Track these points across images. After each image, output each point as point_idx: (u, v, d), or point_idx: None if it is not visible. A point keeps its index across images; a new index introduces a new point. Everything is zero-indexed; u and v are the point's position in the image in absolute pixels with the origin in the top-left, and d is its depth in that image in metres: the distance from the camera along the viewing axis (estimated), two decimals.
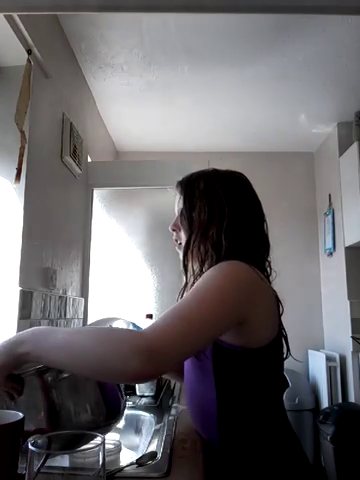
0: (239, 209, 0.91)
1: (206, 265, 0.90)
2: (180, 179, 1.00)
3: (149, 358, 0.62)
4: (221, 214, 0.90)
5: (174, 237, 0.99)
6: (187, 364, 0.93)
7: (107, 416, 0.79)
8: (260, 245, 0.94)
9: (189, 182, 0.97)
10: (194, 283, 0.89)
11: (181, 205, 0.96)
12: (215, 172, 0.98)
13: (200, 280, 0.79)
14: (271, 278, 0.94)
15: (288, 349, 0.91)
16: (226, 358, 0.81)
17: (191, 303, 0.72)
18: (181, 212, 0.96)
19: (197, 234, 0.91)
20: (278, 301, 0.90)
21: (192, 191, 0.95)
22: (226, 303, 0.75)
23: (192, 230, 0.92)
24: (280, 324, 0.88)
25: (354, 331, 2.83)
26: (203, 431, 0.89)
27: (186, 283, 0.96)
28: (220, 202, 0.91)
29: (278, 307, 0.89)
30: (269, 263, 0.95)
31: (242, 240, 0.89)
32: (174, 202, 1.00)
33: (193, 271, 0.94)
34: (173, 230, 0.99)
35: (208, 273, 0.80)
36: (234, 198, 0.92)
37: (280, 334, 0.87)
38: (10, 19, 1.46)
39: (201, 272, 0.89)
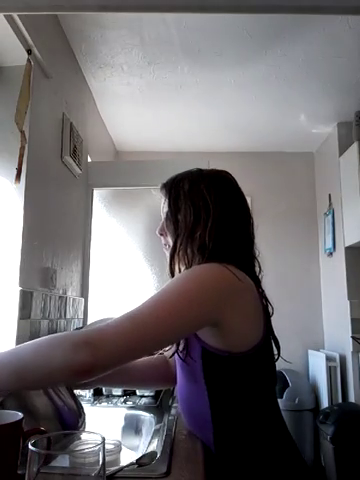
0: (224, 209, 0.90)
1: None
2: (165, 181, 0.98)
3: (88, 349, 0.64)
4: (206, 215, 0.88)
5: (163, 241, 0.98)
6: (178, 370, 0.92)
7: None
8: (246, 244, 0.92)
9: (173, 184, 0.95)
10: None
11: (166, 208, 0.94)
12: (199, 172, 0.96)
13: (166, 283, 0.78)
14: (260, 276, 0.93)
15: (278, 350, 0.89)
16: (214, 362, 0.81)
17: (145, 305, 0.73)
18: (166, 215, 0.94)
19: (183, 237, 0.89)
20: (266, 302, 0.88)
21: (177, 193, 0.93)
22: (183, 307, 0.74)
23: (178, 233, 0.90)
24: (268, 325, 0.86)
25: (354, 331, 2.83)
26: (201, 435, 0.88)
27: None
28: (205, 202, 0.89)
29: (265, 308, 0.87)
30: (258, 262, 0.93)
31: (227, 240, 0.88)
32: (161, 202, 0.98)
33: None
34: (160, 234, 0.97)
35: (176, 276, 0.80)
36: (219, 198, 0.90)
37: (267, 336, 0.85)
38: (10, 19, 1.46)
39: None
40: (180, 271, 0.91)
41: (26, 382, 0.69)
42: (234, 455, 0.81)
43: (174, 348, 0.87)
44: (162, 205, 0.97)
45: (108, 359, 0.67)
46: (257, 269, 0.93)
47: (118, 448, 0.90)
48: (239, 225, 0.91)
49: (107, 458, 0.80)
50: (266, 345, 0.84)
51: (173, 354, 0.85)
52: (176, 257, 0.91)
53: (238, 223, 0.91)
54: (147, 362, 1.06)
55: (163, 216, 0.96)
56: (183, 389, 0.90)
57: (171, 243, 0.92)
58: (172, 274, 0.91)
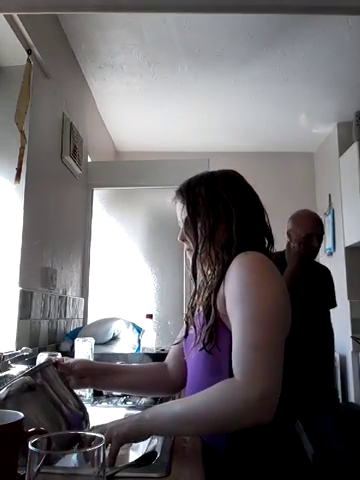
0: (243, 206, 0.92)
1: (218, 268, 0.90)
2: (178, 188, 0.98)
3: (262, 406, 0.69)
4: (228, 215, 0.90)
5: (186, 246, 0.98)
6: (194, 365, 0.91)
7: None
8: (265, 238, 0.94)
9: (189, 189, 0.95)
10: (208, 288, 0.90)
11: (185, 214, 0.94)
12: (212, 175, 0.97)
13: (236, 289, 0.79)
14: None
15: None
16: None
17: (255, 328, 0.74)
18: (186, 221, 0.94)
19: (205, 240, 0.91)
20: None
21: (194, 198, 0.93)
22: (281, 304, 0.78)
23: (199, 237, 0.92)
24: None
25: (354, 331, 2.83)
26: (208, 437, 0.86)
27: (196, 290, 0.95)
28: (225, 203, 0.91)
29: None
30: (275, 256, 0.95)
31: (250, 235, 0.90)
32: (175, 209, 0.99)
33: (205, 276, 0.93)
34: (182, 240, 0.98)
35: (242, 277, 0.80)
36: (237, 197, 0.92)
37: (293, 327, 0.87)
38: (10, 19, 1.46)
39: (214, 274, 0.90)
40: (206, 273, 0.93)
41: (192, 431, 0.77)
42: (244, 456, 0.80)
43: (197, 343, 0.86)
44: (179, 212, 0.97)
45: (275, 403, 0.70)
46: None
47: (129, 443, 0.89)
48: (257, 218, 0.94)
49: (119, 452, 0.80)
50: (292, 337, 0.85)
51: (203, 348, 0.84)
52: (198, 260, 0.92)
53: (256, 217, 0.94)
54: (144, 369, 1.09)
55: (182, 222, 0.96)
56: (200, 384, 0.86)
57: (193, 248, 0.93)
58: (194, 277, 0.93)
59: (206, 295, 0.90)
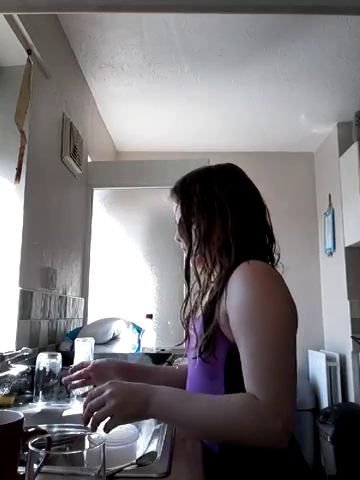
0: (240, 204, 0.87)
1: (216, 272, 0.88)
2: (174, 185, 0.95)
3: (283, 439, 0.69)
4: (223, 215, 0.86)
5: (182, 246, 0.95)
6: (192, 367, 0.90)
7: None
8: (266, 236, 0.91)
9: (183, 188, 0.92)
10: (204, 293, 0.88)
11: (179, 214, 0.91)
12: (208, 171, 0.93)
13: (244, 309, 0.76)
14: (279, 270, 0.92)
15: None
16: (238, 360, 0.79)
17: (273, 353, 0.73)
18: (180, 221, 0.91)
19: (199, 242, 0.87)
20: None
21: (189, 197, 0.90)
22: (291, 320, 0.77)
23: (193, 238, 0.88)
24: None
25: (354, 331, 2.83)
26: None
27: (189, 294, 0.92)
28: (220, 203, 0.87)
29: None
30: (278, 255, 0.92)
31: (249, 236, 0.86)
32: (172, 207, 0.95)
33: (199, 279, 0.90)
34: (178, 240, 0.95)
35: (248, 296, 0.77)
36: (233, 194, 0.88)
37: None
38: (10, 19, 1.46)
39: (210, 278, 0.88)
40: (197, 275, 0.90)
41: (198, 436, 0.78)
42: (238, 458, 0.80)
43: (195, 351, 0.85)
44: (174, 210, 0.94)
45: (292, 431, 0.71)
46: (279, 263, 0.92)
47: (136, 435, 0.89)
48: (257, 217, 0.90)
49: (124, 446, 0.80)
50: None
51: (199, 356, 0.82)
52: (192, 262, 0.89)
53: (256, 215, 0.90)
54: (171, 374, 1.07)
55: (177, 222, 0.93)
56: (196, 386, 0.89)
57: (187, 249, 0.90)
58: (187, 279, 0.90)
59: (205, 301, 0.88)
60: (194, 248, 0.88)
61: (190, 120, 3.08)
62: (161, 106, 2.87)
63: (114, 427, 0.73)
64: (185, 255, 0.90)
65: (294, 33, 2.10)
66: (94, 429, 0.73)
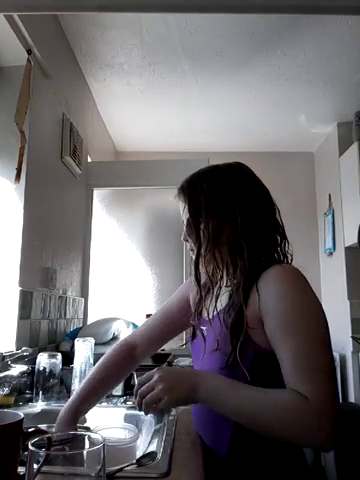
0: (249, 203, 0.86)
1: (230, 272, 0.87)
2: (180, 184, 0.92)
3: (329, 441, 0.68)
4: (232, 214, 0.84)
5: (188, 247, 0.93)
6: (207, 366, 0.87)
7: None
8: (277, 235, 0.90)
9: (191, 187, 0.89)
10: (218, 295, 0.87)
11: (187, 214, 0.89)
12: (216, 169, 0.91)
13: (286, 310, 0.76)
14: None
15: None
16: (263, 361, 0.79)
17: (311, 351, 0.73)
18: (188, 221, 0.89)
19: (208, 242, 0.85)
20: None
21: (196, 197, 0.87)
22: (324, 320, 0.77)
23: (201, 240, 0.86)
24: None
25: (354, 331, 2.82)
26: (210, 439, 0.86)
27: (201, 294, 0.91)
28: (228, 202, 0.85)
29: None
30: (291, 255, 0.91)
31: (260, 236, 0.85)
32: (177, 203, 0.93)
33: (211, 279, 0.89)
34: (185, 240, 0.92)
35: (288, 297, 0.76)
36: (241, 193, 0.86)
37: None
38: (10, 19, 1.46)
39: (229, 282, 0.86)
40: (209, 275, 0.88)
41: (242, 423, 0.74)
42: (245, 462, 0.80)
43: (212, 355, 0.84)
44: (181, 210, 0.92)
45: (334, 424, 0.69)
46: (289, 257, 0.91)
47: (136, 436, 0.89)
48: (267, 216, 0.88)
49: (124, 446, 0.80)
50: None
51: (228, 362, 0.79)
52: (202, 263, 0.87)
53: (265, 214, 0.88)
54: (108, 364, 1.00)
55: (184, 222, 0.91)
56: None
57: (195, 249, 0.88)
58: (198, 281, 0.88)
59: (219, 304, 0.86)
60: (203, 249, 0.86)
61: (190, 120, 3.08)
62: (161, 106, 2.87)
63: (165, 409, 0.76)
64: (194, 256, 0.89)
65: (294, 33, 2.10)
66: (147, 413, 0.76)
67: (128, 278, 2.54)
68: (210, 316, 0.88)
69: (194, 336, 0.95)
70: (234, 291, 0.83)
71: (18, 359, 1.26)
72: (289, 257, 0.91)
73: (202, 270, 0.88)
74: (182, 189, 0.91)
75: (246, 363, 0.78)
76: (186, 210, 0.90)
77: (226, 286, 0.89)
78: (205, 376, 0.77)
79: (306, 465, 0.85)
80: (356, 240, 2.77)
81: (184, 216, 0.91)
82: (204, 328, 0.90)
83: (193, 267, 0.88)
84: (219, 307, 0.87)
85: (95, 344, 1.33)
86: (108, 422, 1.04)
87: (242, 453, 0.81)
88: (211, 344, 0.85)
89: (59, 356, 1.24)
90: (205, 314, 0.91)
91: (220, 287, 0.89)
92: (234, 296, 0.83)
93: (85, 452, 0.49)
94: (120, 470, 0.69)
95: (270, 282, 0.78)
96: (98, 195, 2.65)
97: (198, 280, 0.88)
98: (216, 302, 0.88)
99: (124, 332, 1.95)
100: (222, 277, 0.90)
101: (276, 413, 0.70)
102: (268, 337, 0.77)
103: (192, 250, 0.91)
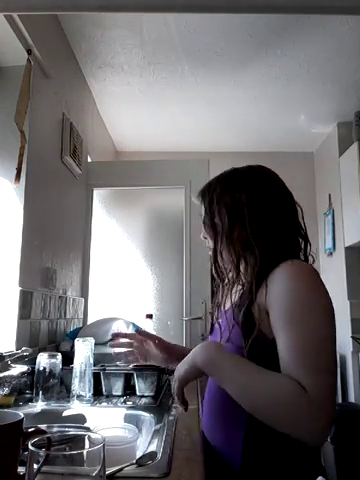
0: (261, 203, 0.90)
1: (242, 268, 0.90)
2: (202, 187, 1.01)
3: (328, 429, 0.69)
4: (242, 214, 0.89)
5: (207, 245, 1.01)
6: None
7: None
8: (295, 235, 0.92)
9: (207, 189, 0.98)
10: (232, 289, 0.91)
11: (203, 214, 0.98)
12: (232, 172, 0.98)
13: (289, 301, 0.77)
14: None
15: None
16: (272, 352, 0.79)
17: (313, 347, 0.73)
18: (204, 220, 0.97)
19: (222, 240, 0.92)
20: None
21: (210, 198, 0.95)
22: (331, 316, 0.77)
23: (217, 237, 0.93)
24: None
25: (354, 331, 2.83)
26: (223, 449, 0.84)
27: (218, 289, 0.97)
28: (238, 202, 0.90)
29: None
30: (313, 257, 0.92)
31: (274, 237, 0.87)
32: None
33: (227, 275, 0.94)
34: (205, 237, 1.00)
35: (293, 290, 0.78)
36: (254, 194, 0.91)
37: None
38: (10, 19, 1.46)
39: (238, 276, 0.90)
40: (225, 271, 0.94)
41: (242, 402, 0.75)
42: (261, 471, 0.79)
43: (224, 341, 0.87)
44: (202, 212, 1.00)
45: (332, 424, 0.71)
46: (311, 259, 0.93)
47: (136, 436, 0.89)
48: (283, 217, 0.91)
49: (124, 446, 0.80)
50: None
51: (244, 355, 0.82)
52: (219, 259, 0.93)
53: (282, 215, 0.91)
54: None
55: (203, 221, 0.99)
56: (219, 393, 0.85)
57: (212, 247, 0.95)
58: (218, 276, 0.94)
59: (233, 297, 0.90)
60: (218, 246, 0.93)
61: (190, 120, 3.08)
62: (161, 106, 2.87)
63: (179, 388, 0.83)
64: (211, 253, 0.96)
65: (294, 33, 2.10)
66: (184, 406, 0.86)
67: (128, 278, 2.54)
68: (225, 309, 0.93)
69: (212, 330, 1.00)
70: (247, 287, 0.87)
71: (18, 359, 1.26)
72: (311, 259, 0.93)
73: (219, 264, 0.94)
74: (201, 191, 1.01)
75: (256, 355, 0.80)
76: (203, 210, 0.98)
77: (240, 282, 0.92)
78: (202, 344, 0.84)
79: (324, 473, 0.84)
80: (357, 240, 2.77)
81: (202, 215, 1.00)
82: (220, 321, 0.93)
83: (212, 263, 0.96)
84: (233, 301, 0.91)
85: (95, 344, 1.33)
86: (108, 422, 1.04)
87: (257, 466, 0.79)
88: (225, 336, 0.89)
89: (59, 356, 1.24)
90: (221, 308, 0.96)
91: (234, 282, 0.94)
92: (246, 291, 0.87)
93: (85, 452, 0.49)
94: (120, 470, 0.69)
95: (277, 277, 0.81)
96: (98, 195, 2.65)
97: (218, 274, 0.95)
98: (231, 296, 0.92)
99: (124, 332, 1.95)
100: (238, 273, 0.92)
101: (269, 388, 0.72)
102: (272, 327, 0.79)
103: (209, 247, 0.99)
